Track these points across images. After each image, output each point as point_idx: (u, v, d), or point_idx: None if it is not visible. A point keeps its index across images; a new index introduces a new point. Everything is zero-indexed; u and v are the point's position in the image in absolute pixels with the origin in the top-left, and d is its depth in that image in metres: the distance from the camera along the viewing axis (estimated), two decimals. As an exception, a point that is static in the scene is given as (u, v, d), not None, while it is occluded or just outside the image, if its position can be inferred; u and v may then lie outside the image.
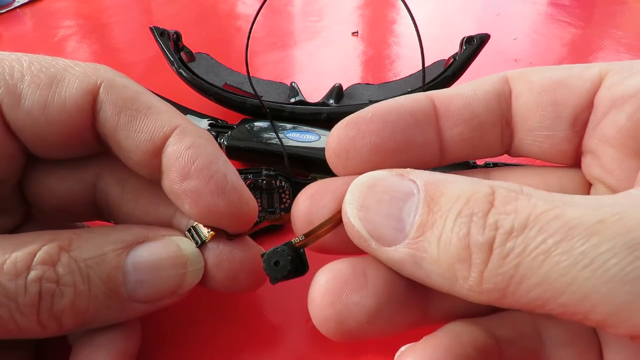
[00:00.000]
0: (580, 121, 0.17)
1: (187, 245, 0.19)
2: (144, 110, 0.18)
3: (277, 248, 0.17)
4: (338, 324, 0.16)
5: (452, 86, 0.18)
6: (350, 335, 0.16)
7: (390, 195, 0.14)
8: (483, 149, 0.18)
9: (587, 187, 0.18)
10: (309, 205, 0.17)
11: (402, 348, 0.16)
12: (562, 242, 0.11)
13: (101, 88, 0.18)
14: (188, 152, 0.18)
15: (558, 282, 0.12)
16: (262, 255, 0.17)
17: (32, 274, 0.16)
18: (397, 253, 0.14)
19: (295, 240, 0.17)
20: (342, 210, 0.16)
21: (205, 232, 0.19)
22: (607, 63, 0.16)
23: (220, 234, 0.19)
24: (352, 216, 0.15)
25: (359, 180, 0.15)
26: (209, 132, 0.19)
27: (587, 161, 0.17)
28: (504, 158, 0.19)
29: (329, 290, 0.16)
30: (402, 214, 0.14)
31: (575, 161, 0.18)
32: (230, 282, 0.19)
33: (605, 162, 0.16)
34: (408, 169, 0.15)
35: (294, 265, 0.17)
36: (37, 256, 0.16)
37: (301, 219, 0.17)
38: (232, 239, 0.19)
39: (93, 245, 0.17)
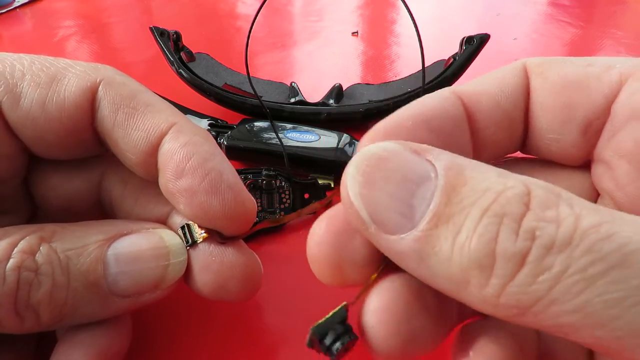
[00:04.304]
0: (593, 128, 0.15)
1: (170, 237, 0.18)
2: (141, 108, 0.18)
3: (337, 330, 0.14)
4: (401, 351, 0.14)
5: (469, 82, 0.17)
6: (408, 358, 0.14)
7: (402, 175, 0.12)
8: (509, 148, 0.17)
9: (595, 198, 0.16)
10: (336, 249, 0.14)
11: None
12: (615, 269, 0.10)
13: (100, 86, 0.18)
14: (183, 150, 0.17)
15: (599, 314, 0.10)
16: (314, 333, 0.14)
17: (11, 262, 0.15)
18: (400, 244, 0.12)
19: (345, 309, 0.14)
20: (342, 183, 0.13)
21: (198, 232, 0.18)
22: (630, 62, 0.15)
23: (214, 235, 0.18)
24: (352, 192, 0.13)
25: (367, 150, 0.13)
26: (207, 131, 0.19)
27: (598, 171, 0.16)
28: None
29: (392, 323, 0.14)
30: (414, 200, 0.12)
31: (583, 164, 0.17)
32: (218, 288, 0.18)
33: (619, 176, 0.15)
34: (426, 146, 0.13)
35: (350, 341, 0.14)
36: (18, 246, 0.16)
37: (326, 267, 0.15)
38: (225, 242, 0.19)
39: (75, 237, 0.17)
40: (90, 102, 0.18)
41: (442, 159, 0.13)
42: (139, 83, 0.19)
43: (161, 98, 0.19)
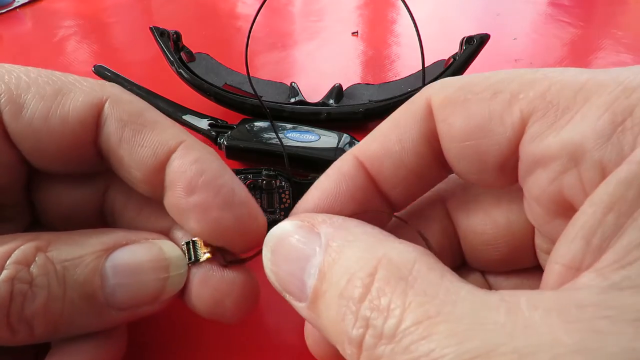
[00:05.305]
0: (509, 169, 0.15)
1: (170, 248, 0.18)
2: (149, 124, 0.18)
3: None
4: None
5: (375, 130, 0.17)
6: None
7: (296, 254, 0.15)
8: (430, 187, 0.18)
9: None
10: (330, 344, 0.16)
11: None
12: None
13: (107, 103, 0.18)
14: (194, 166, 0.17)
15: None
16: None
17: (4, 273, 0.15)
18: (303, 309, 0.14)
19: None
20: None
21: (202, 250, 0.18)
22: (532, 91, 0.14)
23: (218, 256, 0.18)
24: (266, 268, 0.16)
25: (272, 232, 0.16)
26: (213, 150, 0.19)
27: (525, 205, 0.16)
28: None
29: None
30: (304, 276, 0.14)
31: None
32: (214, 305, 0.18)
33: (536, 215, 0.15)
34: (322, 216, 0.15)
35: None
36: (12, 256, 0.15)
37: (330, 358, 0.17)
38: (228, 266, 0.18)
39: (72, 247, 0.17)
40: (95, 118, 0.17)
41: (327, 233, 0.14)
42: (145, 102, 0.19)
43: (167, 117, 0.19)
